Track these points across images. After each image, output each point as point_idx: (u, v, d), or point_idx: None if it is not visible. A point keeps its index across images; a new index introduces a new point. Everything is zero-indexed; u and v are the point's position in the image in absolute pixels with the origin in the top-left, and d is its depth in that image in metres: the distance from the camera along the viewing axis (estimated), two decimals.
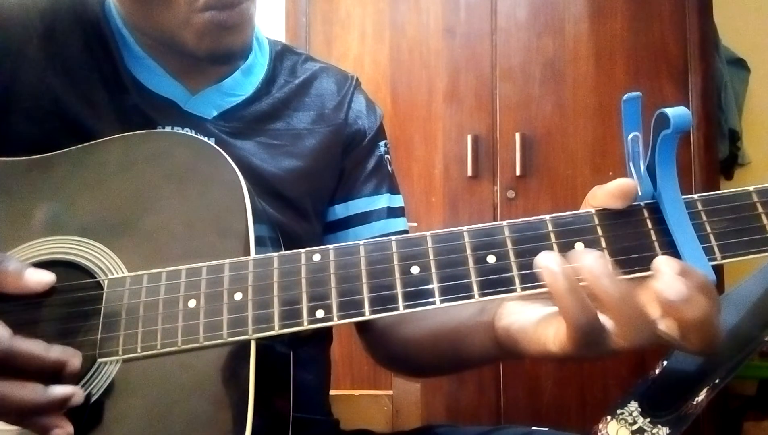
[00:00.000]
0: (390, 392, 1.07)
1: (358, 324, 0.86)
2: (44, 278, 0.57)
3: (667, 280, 0.47)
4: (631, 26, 1.90)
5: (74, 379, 0.53)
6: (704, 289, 0.48)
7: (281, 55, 0.89)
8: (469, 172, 1.89)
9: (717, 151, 2.07)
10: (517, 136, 1.88)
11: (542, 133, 1.90)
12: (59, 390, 0.51)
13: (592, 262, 0.48)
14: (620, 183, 0.52)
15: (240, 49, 0.75)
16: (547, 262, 0.49)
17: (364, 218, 0.87)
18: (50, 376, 0.51)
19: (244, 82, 0.82)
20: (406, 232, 0.89)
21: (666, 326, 0.48)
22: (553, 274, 0.48)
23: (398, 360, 0.86)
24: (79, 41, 0.76)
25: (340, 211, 0.88)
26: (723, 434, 1.87)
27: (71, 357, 0.52)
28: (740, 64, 2.49)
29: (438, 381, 1.81)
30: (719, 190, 0.53)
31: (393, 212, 0.89)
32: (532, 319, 0.57)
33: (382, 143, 0.91)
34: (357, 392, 1.10)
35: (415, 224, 1.88)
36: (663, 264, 0.49)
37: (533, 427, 0.76)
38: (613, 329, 0.49)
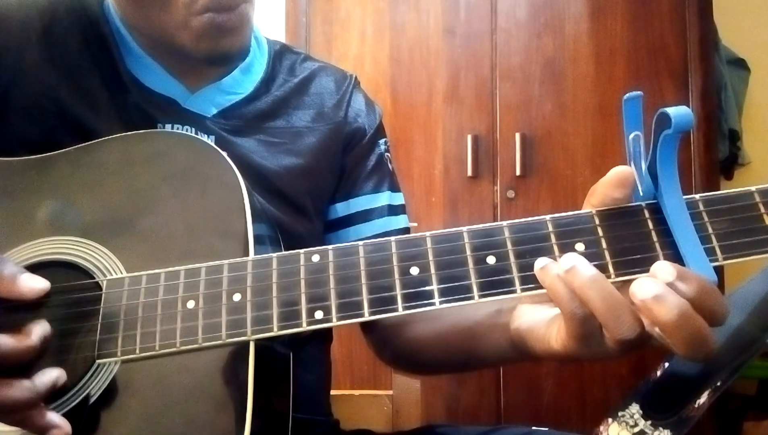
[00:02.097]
0: (390, 392, 1.07)
1: (362, 323, 0.87)
2: (37, 285, 0.56)
3: (640, 280, 0.47)
4: (631, 26, 1.90)
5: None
6: (703, 290, 0.47)
7: (280, 54, 0.89)
8: (469, 172, 1.89)
9: (717, 151, 2.06)
10: (517, 136, 1.88)
11: (542, 133, 1.90)
12: (45, 378, 0.51)
13: (572, 267, 0.49)
14: (617, 171, 0.52)
15: (238, 51, 0.75)
16: (542, 264, 0.51)
17: (365, 216, 0.87)
18: (31, 361, 0.52)
19: (243, 80, 0.82)
20: (407, 229, 0.90)
21: (647, 327, 0.48)
22: (548, 274, 0.50)
23: (405, 359, 0.86)
24: (79, 40, 0.76)
25: (341, 209, 0.88)
26: (723, 434, 1.87)
27: (39, 332, 0.53)
28: (740, 64, 2.49)
29: (438, 381, 1.81)
30: (719, 190, 0.52)
31: (394, 210, 0.89)
32: (540, 320, 0.58)
33: (381, 141, 0.92)
34: (357, 392, 1.10)
35: (415, 224, 1.87)
36: (657, 267, 0.48)
37: (533, 427, 0.76)
38: (604, 330, 0.49)
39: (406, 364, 0.89)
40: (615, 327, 0.48)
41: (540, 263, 0.51)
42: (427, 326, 0.79)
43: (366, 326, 0.87)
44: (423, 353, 0.81)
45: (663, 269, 0.48)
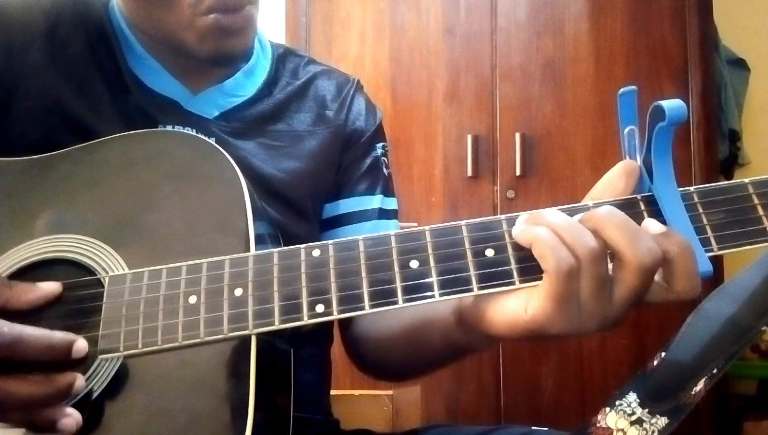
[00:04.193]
0: (390, 392, 1.07)
1: (340, 329, 0.87)
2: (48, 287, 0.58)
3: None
4: (631, 26, 1.91)
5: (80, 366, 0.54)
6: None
7: (283, 57, 0.89)
8: (469, 172, 1.89)
9: (717, 151, 2.07)
10: (517, 136, 1.88)
11: (542, 133, 1.90)
12: (62, 378, 0.51)
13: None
14: (624, 162, 0.54)
15: (241, 53, 0.76)
16: (522, 221, 0.53)
17: (354, 218, 0.87)
18: (58, 359, 0.52)
19: (245, 82, 0.82)
20: None
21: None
22: (534, 227, 0.52)
23: (377, 363, 0.85)
24: (82, 41, 0.77)
25: (331, 209, 0.87)
26: (723, 434, 1.87)
27: (76, 338, 0.53)
28: (740, 64, 2.49)
29: (438, 381, 1.81)
30: None
31: (385, 214, 0.88)
32: (504, 296, 0.56)
33: (379, 145, 0.91)
34: (357, 392, 1.09)
35: (415, 224, 1.87)
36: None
37: (533, 427, 0.76)
38: (620, 264, 0.50)
39: (378, 369, 0.86)
40: (634, 252, 0.49)
41: (521, 219, 0.53)
42: (391, 324, 0.78)
43: (343, 333, 0.86)
44: (389, 354, 0.80)
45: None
